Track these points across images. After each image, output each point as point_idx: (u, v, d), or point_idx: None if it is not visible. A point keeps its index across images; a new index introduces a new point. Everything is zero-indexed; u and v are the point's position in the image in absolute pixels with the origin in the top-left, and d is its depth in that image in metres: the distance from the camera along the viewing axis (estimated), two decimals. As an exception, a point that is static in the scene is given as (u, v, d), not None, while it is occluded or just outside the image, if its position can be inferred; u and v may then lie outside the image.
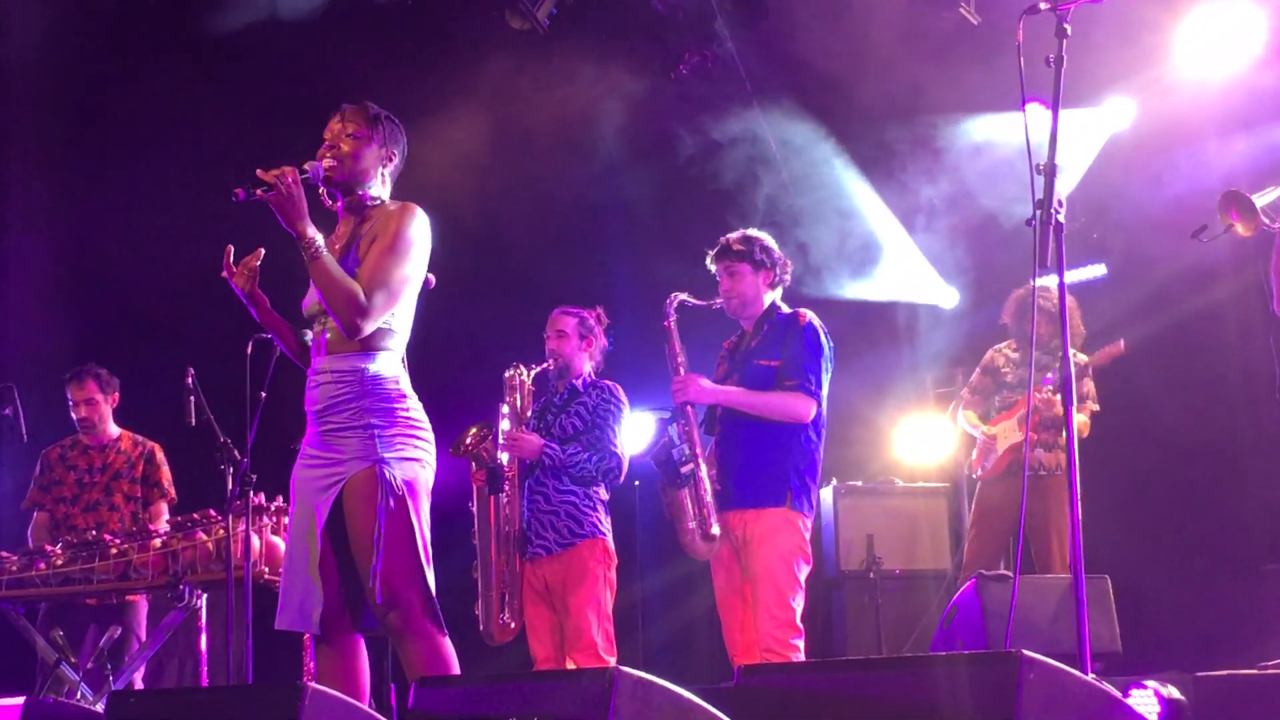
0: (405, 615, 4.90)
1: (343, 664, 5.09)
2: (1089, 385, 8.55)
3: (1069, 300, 8.45)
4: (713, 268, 6.86)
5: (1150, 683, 6.84)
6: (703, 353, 7.02)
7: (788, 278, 6.89)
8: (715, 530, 6.46)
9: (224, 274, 5.19)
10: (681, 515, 6.52)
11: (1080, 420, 8.50)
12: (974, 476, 8.99)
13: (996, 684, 3.14)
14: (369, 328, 4.98)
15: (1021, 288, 8.93)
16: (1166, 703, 6.71)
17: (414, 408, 5.12)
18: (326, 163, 5.07)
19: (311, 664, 7.62)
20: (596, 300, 7.62)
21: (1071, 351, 8.42)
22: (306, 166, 5.00)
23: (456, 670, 4.96)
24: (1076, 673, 3.26)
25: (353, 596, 5.04)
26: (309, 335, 5.26)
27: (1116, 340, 8.67)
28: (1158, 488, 9.72)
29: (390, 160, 5.24)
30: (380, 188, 5.22)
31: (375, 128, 5.17)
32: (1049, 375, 8.37)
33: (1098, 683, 3.30)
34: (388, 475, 4.95)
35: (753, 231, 6.89)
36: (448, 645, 4.97)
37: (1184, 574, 9.43)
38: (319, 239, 4.91)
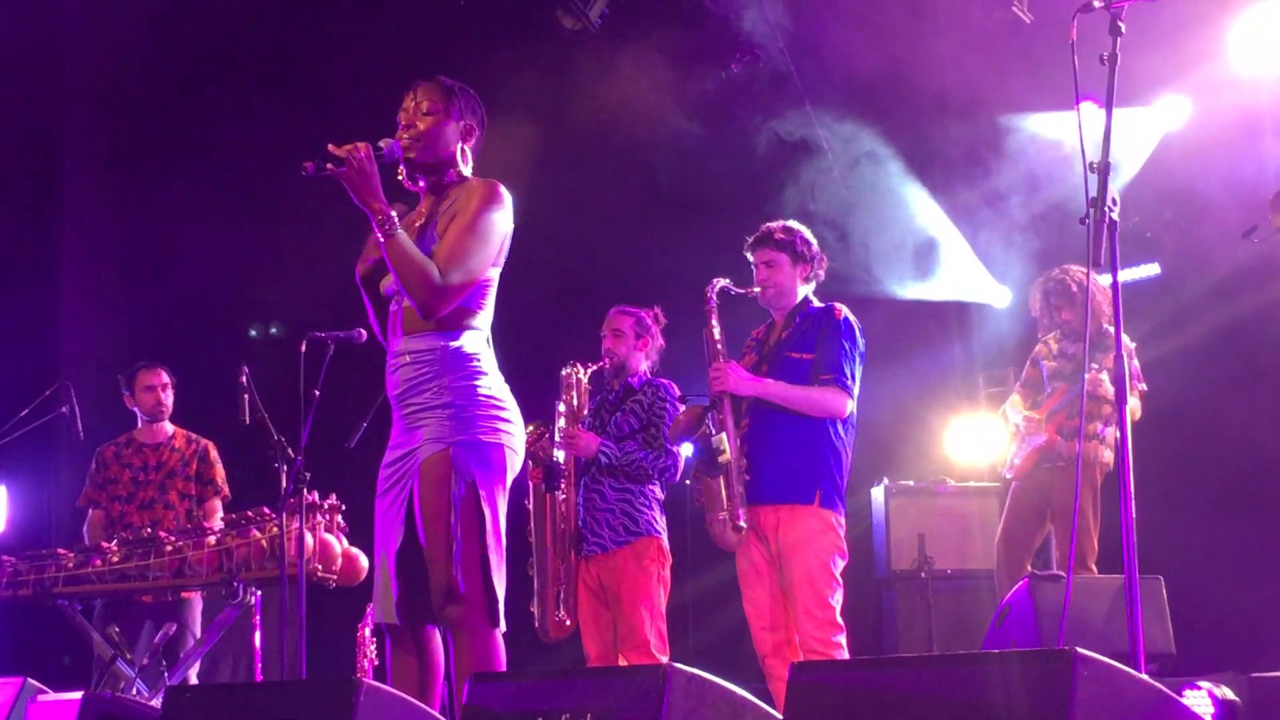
0: (464, 609, 4.74)
1: (416, 658, 4.94)
2: (1134, 365, 8.40)
3: (1096, 284, 8.47)
4: (750, 256, 6.78)
5: (1204, 683, 6.80)
6: (730, 341, 6.93)
7: (822, 274, 6.80)
8: (744, 523, 6.41)
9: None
10: (713, 504, 6.45)
11: (1132, 403, 8.37)
12: (1006, 475, 8.96)
13: (1050, 682, 3.13)
14: (445, 309, 4.80)
15: (1042, 276, 8.91)
16: (1220, 704, 6.67)
17: (496, 386, 4.92)
18: (405, 143, 4.92)
19: (365, 661, 7.70)
20: (647, 298, 7.64)
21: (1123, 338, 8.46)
22: (382, 143, 4.83)
23: (504, 668, 4.81)
24: (1131, 671, 3.25)
25: (423, 587, 4.83)
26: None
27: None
28: (1212, 487, 9.67)
29: (471, 134, 5.07)
30: (463, 164, 5.05)
31: (451, 101, 5.00)
32: (1093, 366, 8.30)
33: (1152, 682, 3.29)
34: (461, 459, 4.78)
35: (794, 223, 6.80)
36: (500, 644, 4.81)
37: (1239, 574, 9.36)
38: (394, 216, 4.75)
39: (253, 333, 11.70)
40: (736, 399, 6.52)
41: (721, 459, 6.40)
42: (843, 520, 6.48)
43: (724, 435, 6.43)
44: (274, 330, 10.64)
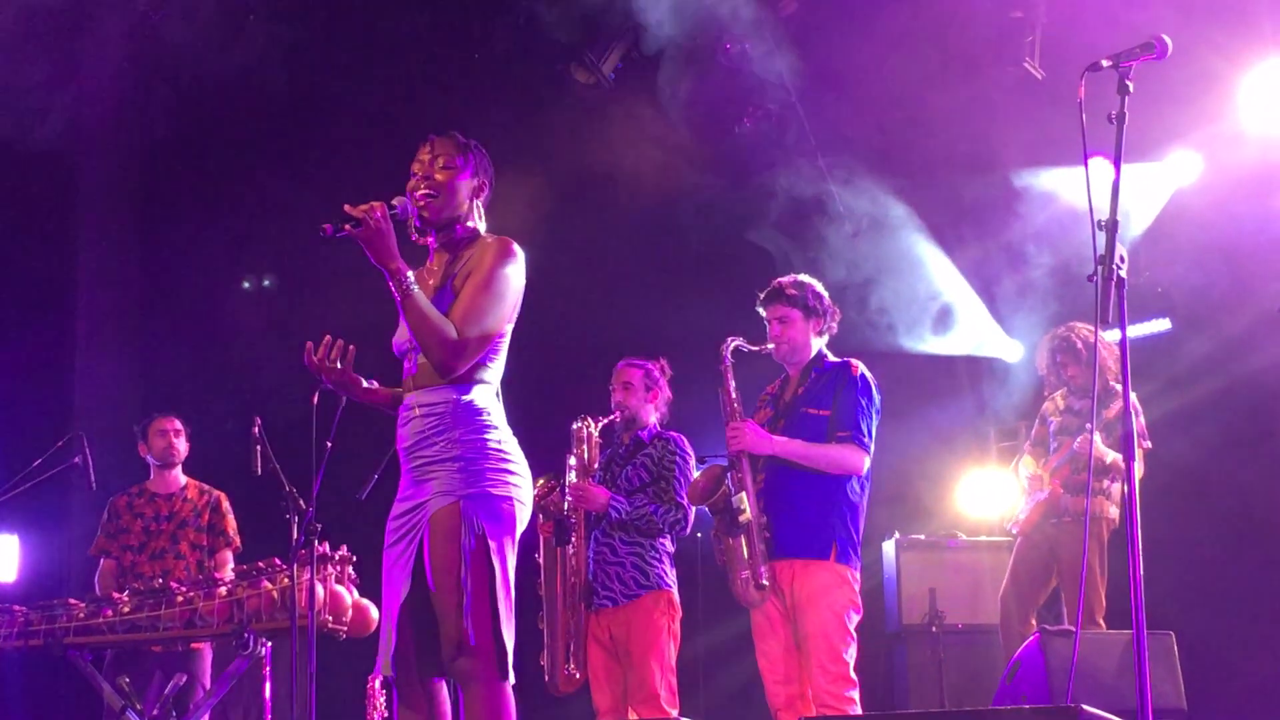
0: (474, 662, 4.72)
1: (424, 710, 4.90)
2: (1139, 422, 8.37)
3: (1102, 341, 8.43)
4: (762, 311, 6.80)
5: (1215, 740, 6.80)
6: (743, 395, 6.93)
7: (835, 326, 6.82)
8: (766, 581, 6.42)
9: (306, 363, 5.02)
10: (735, 564, 6.47)
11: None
12: (1011, 531, 8.97)
13: (1057, 739, 3.14)
14: (463, 367, 4.82)
15: (1047, 334, 8.92)
16: (1231, 760, 6.68)
17: (505, 440, 4.92)
18: (420, 197, 4.93)
19: (375, 714, 7.67)
20: (658, 352, 7.66)
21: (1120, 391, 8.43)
22: (395, 202, 4.83)
23: None
24: (1138, 728, 3.25)
25: (432, 640, 4.82)
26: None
27: None
28: (1225, 544, 9.65)
29: (483, 190, 5.08)
30: (476, 220, 5.06)
31: (466, 156, 5.02)
32: (1086, 426, 8.29)
33: (1160, 739, 3.29)
34: (470, 512, 4.77)
35: (804, 277, 6.82)
36: (510, 696, 4.79)
37: (1253, 630, 9.34)
38: (410, 275, 4.75)
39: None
40: (754, 456, 6.53)
41: (743, 519, 6.41)
42: (858, 575, 6.49)
43: (744, 495, 6.43)
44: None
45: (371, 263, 4.77)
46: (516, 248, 4.97)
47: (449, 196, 4.99)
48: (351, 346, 5.04)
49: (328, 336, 5.05)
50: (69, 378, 11.14)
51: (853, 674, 6.36)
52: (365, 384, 5.13)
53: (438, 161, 5.00)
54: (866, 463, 6.51)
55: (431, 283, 4.99)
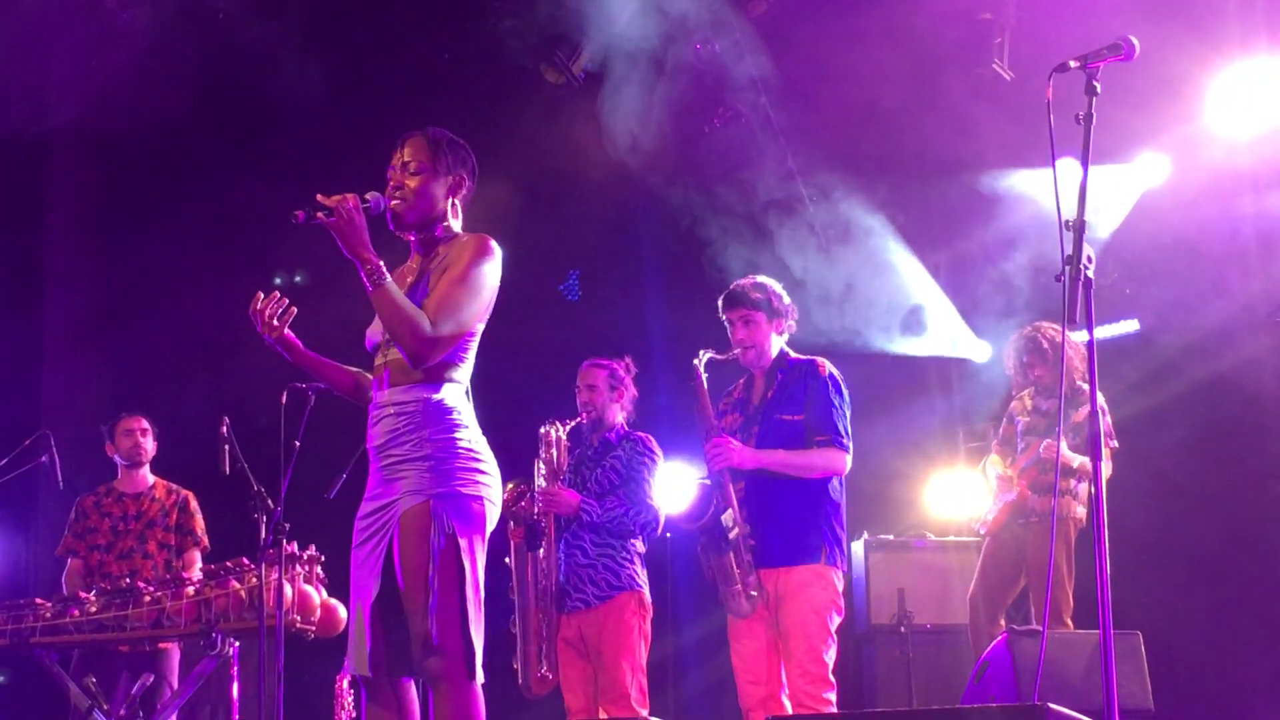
0: (443, 661, 4.70)
1: (393, 710, 4.90)
2: (1106, 422, 8.38)
3: (1069, 341, 8.45)
4: (723, 314, 6.81)
5: (1183, 740, 6.82)
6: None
7: (794, 325, 6.84)
8: (755, 592, 6.43)
9: (250, 311, 5.09)
10: (727, 578, 6.48)
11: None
12: (980, 531, 8.98)
13: (1024, 737, 3.14)
14: (435, 357, 4.80)
15: (1015, 334, 8.93)
16: (1198, 760, 6.70)
17: (475, 439, 4.91)
18: (395, 203, 4.94)
19: (343, 713, 7.66)
20: (626, 353, 7.65)
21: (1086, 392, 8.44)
22: (369, 196, 4.83)
23: None
24: (1104, 727, 3.26)
25: (401, 639, 4.82)
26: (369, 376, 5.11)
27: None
28: (1193, 545, 9.68)
29: (461, 187, 5.08)
30: (453, 219, 5.06)
31: (438, 157, 5.00)
32: (1057, 428, 8.31)
33: (1126, 738, 3.30)
34: (440, 511, 4.76)
35: (763, 278, 6.84)
36: (479, 696, 4.77)
37: (1219, 630, 9.37)
38: (381, 265, 4.73)
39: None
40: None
41: (732, 535, 6.42)
42: (842, 576, 6.51)
43: (730, 511, 6.44)
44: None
45: (343, 254, 4.76)
46: (494, 245, 4.97)
47: (421, 201, 4.99)
48: (293, 308, 5.08)
49: (275, 293, 5.09)
50: (36, 376, 11.10)
51: (831, 676, 6.38)
52: (304, 350, 5.17)
53: (409, 167, 5.00)
54: (848, 462, 6.56)
55: (410, 279, 5.00)
